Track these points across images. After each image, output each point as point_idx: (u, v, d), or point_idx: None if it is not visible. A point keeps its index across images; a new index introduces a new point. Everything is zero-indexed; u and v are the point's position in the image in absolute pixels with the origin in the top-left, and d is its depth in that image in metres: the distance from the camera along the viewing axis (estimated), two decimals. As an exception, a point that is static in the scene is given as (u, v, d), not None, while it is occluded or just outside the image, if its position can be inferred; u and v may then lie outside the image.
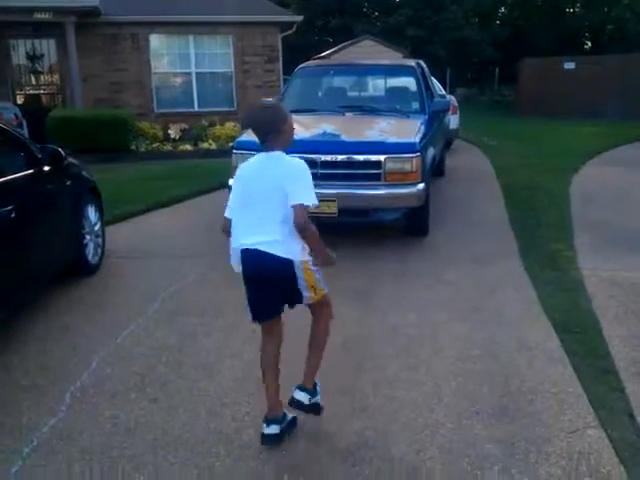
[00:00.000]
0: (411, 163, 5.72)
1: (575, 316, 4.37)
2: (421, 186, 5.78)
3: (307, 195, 2.72)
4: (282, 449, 2.89)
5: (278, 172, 2.78)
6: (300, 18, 15.62)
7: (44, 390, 3.47)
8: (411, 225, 6.36)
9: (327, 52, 18.60)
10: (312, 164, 5.64)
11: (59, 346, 4.03)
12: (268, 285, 2.83)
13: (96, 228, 5.57)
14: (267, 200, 2.76)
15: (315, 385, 3.02)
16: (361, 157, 5.72)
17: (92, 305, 4.76)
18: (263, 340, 2.99)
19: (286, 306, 2.96)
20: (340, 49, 18.48)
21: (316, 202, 2.77)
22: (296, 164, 2.81)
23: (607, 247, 5.98)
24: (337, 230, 6.52)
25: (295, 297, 2.89)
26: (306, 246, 2.80)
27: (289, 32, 15.69)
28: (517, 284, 5.05)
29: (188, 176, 9.77)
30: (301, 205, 2.69)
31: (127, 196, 8.07)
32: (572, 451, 2.84)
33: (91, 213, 5.48)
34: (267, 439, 2.89)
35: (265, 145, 2.84)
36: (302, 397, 2.96)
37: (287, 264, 2.76)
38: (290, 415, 3.02)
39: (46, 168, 4.77)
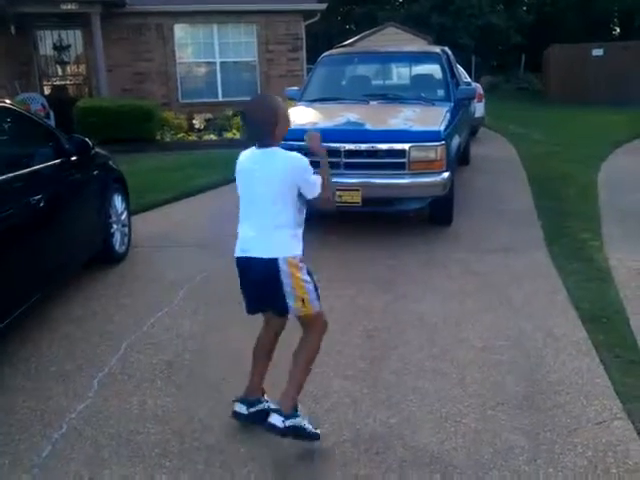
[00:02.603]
0: (436, 151, 5.67)
1: (602, 306, 4.31)
2: (446, 175, 5.74)
3: (317, 186, 2.75)
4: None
5: (282, 169, 2.71)
6: (324, 6, 15.52)
7: (72, 376, 3.54)
8: (435, 214, 6.32)
9: (351, 40, 18.54)
10: (336, 153, 5.69)
11: (87, 333, 4.10)
12: (253, 286, 2.84)
13: (122, 217, 5.63)
14: (270, 199, 2.72)
15: (296, 406, 2.80)
16: (385, 146, 5.69)
17: (119, 293, 4.83)
18: (263, 327, 3.01)
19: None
20: (364, 37, 18.42)
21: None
22: (299, 159, 2.72)
23: (635, 237, 5.88)
24: (360, 219, 6.52)
25: (278, 304, 2.76)
26: (298, 244, 2.77)
27: (313, 20, 15.63)
28: (543, 274, 4.99)
29: (213, 166, 9.80)
30: (320, 196, 2.75)
31: (152, 186, 8.14)
32: (598, 442, 2.82)
33: (118, 202, 5.54)
34: (234, 414, 2.97)
35: (259, 142, 2.75)
36: (275, 420, 2.74)
37: (272, 265, 2.69)
38: (266, 404, 2.95)
39: (73, 158, 4.82)
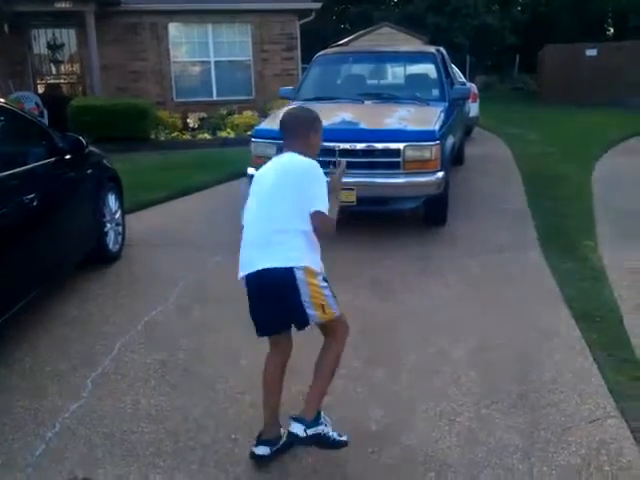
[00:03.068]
0: (430, 151, 5.68)
1: (596, 305, 4.32)
2: (440, 174, 5.75)
3: (324, 201, 2.62)
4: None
5: (295, 169, 2.67)
6: (318, 5, 15.51)
7: (67, 375, 3.53)
8: (430, 214, 6.32)
9: (346, 40, 18.53)
10: (330, 152, 5.67)
11: (81, 332, 4.09)
12: (269, 301, 2.66)
13: (116, 216, 5.61)
14: (283, 199, 2.62)
15: (318, 416, 2.70)
16: (380, 145, 5.70)
17: (113, 293, 4.81)
18: (269, 353, 2.83)
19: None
20: (359, 36, 18.42)
21: (327, 208, 2.62)
22: (310, 164, 2.67)
23: (629, 237, 5.89)
24: (355, 219, 6.52)
25: (298, 316, 2.63)
26: (315, 253, 2.67)
27: (307, 19, 15.61)
28: (537, 274, 5.00)
29: (207, 165, 9.80)
30: (320, 212, 2.59)
31: (147, 185, 8.11)
32: (592, 440, 2.83)
33: (112, 201, 5.52)
34: (255, 457, 2.72)
35: (286, 146, 2.76)
36: (296, 429, 2.64)
37: (288, 274, 2.56)
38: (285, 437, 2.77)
39: (67, 156, 4.81)
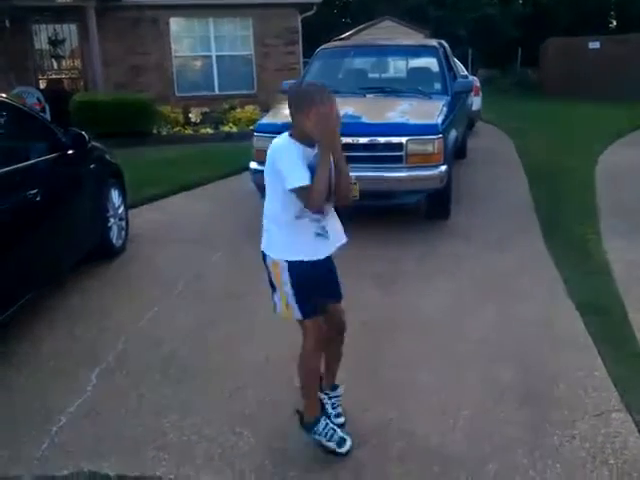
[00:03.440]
0: (433, 145, 5.66)
1: (600, 299, 4.31)
2: (443, 168, 5.73)
3: (291, 178, 2.43)
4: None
5: (268, 158, 2.55)
6: (320, -1, 15.48)
7: (71, 371, 3.53)
8: (432, 208, 6.31)
9: (347, 33, 18.50)
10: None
11: (84, 328, 4.09)
12: None
13: (119, 211, 5.61)
14: (267, 189, 2.62)
15: (314, 423, 2.71)
16: (382, 139, 5.68)
17: (116, 288, 4.82)
18: None
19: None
20: (360, 30, 18.39)
21: (301, 183, 2.41)
22: (273, 147, 2.54)
23: (633, 231, 5.87)
24: (357, 213, 6.51)
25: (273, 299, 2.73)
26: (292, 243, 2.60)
27: (309, 13, 15.57)
28: (541, 267, 4.99)
29: (210, 160, 9.79)
30: (292, 190, 2.44)
31: (149, 179, 8.10)
32: (596, 434, 2.82)
33: (115, 196, 5.52)
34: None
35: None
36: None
37: (266, 258, 2.67)
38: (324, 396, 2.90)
39: (70, 152, 4.81)
